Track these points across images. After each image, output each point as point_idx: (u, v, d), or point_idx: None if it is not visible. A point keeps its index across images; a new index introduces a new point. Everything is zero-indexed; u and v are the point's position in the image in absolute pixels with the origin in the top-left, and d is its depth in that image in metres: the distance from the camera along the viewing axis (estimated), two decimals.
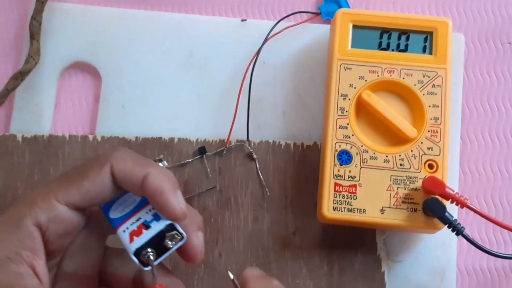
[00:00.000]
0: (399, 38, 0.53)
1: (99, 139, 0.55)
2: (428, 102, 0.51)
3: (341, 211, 0.49)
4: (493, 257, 0.53)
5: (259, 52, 0.57)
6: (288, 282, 0.52)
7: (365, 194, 0.49)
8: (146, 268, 0.40)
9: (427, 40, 0.53)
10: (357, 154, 0.50)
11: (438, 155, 0.50)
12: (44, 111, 0.57)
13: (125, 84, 0.58)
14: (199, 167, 0.55)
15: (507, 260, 0.54)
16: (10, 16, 0.61)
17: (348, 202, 0.49)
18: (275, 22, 0.57)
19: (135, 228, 0.40)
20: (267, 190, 0.54)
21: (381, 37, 0.53)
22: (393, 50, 0.53)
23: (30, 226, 0.39)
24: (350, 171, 0.50)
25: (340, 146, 0.51)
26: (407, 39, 0.53)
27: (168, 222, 0.40)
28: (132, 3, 0.60)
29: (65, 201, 0.40)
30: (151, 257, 0.40)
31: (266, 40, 0.57)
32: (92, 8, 0.60)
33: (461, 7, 0.59)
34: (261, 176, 0.54)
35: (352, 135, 0.51)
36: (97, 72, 0.58)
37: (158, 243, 0.40)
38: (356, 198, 0.49)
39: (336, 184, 0.50)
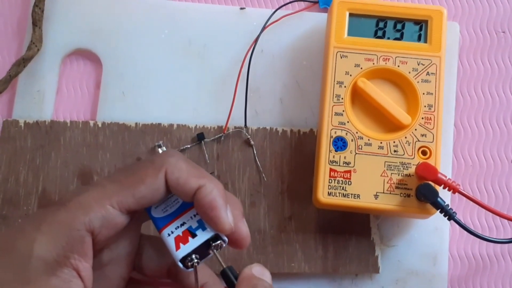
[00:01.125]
0: (395, 27, 0.54)
1: (100, 124, 0.56)
2: (422, 90, 0.52)
3: (336, 196, 0.50)
4: (484, 243, 0.54)
5: (257, 40, 0.57)
6: (284, 265, 0.53)
7: (360, 179, 0.50)
8: (189, 270, 0.41)
9: (422, 28, 0.53)
10: (352, 140, 0.51)
11: (432, 142, 0.51)
12: (46, 97, 0.59)
13: (125, 71, 0.59)
14: (198, 153, 0.56)
15: (498, 245, 0.55)
16: (13, 3, 0.62)
17: (343, 187, 0.50)
18: (273, 10, 0.58)
19: (180, 234, 0.41)
20: (264, 175, 0.55)
21: (377, 25, 0.54)
22: (388, 38, 0.54)
23: (82, 231, 0.38)
24: (345, 157, 0.51)
25: (335, 132, 0.51)
26: (403, 27, 0.54)
27: (214, 232, 0.41)
28: None
29: (119, 206, 0.39)
30: (195, 264, 0.40)
31: (264, 28, 0.58)
32: None
33: None
34: (258, 162, 0.55)
35: (348, 121, 0.52)
36: (98, 59, 0.59)
37: (202, 248, 0.41)
38: (350, 184, 0.50)
39: (331, 169, 0.51)
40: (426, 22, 0.53)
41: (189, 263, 0.40)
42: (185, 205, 0.42)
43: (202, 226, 0.41)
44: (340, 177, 0.51)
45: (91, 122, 0.57)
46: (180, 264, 0.40)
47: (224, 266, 0.41)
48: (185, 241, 0.40)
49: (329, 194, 0.50)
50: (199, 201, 0.40)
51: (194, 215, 0.41)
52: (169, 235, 0.41)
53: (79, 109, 0.59)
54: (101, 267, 0.41)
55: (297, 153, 0.55)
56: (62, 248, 0.37)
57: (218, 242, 0.41)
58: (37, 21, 0.58)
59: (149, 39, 0.59)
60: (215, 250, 0.41)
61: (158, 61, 0.59)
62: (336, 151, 0.51)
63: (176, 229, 0.41)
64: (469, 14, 0.60)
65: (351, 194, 0.50)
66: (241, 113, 0.56)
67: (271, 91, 0.58)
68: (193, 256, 0.40)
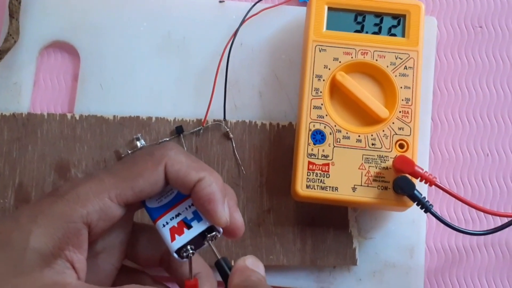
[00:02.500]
0: (373, 21, 0.54)
1: (77, 117, 0.56)
2: (400, 84, 0.52)
3: (314, 189, 0.51)
4: (460, 235, 0.55)
5: (236, 34, 0.57)
6: (262, 257, 0.53)
7: (338, 172, 0.51)
8: (184, 260, 0.41)
9: (400, 23, 0.54)
10: (330, 133, 0.51)
11: (409, 135, 0.51)
12: (23, 89, 0.58)
13: (103, 64, 0.58)
14: None
15: (474, 237, 0.55)
16: None
17: (321, 180, 0.51)
18: (253, 4, 0.58)
19: (176, 225, 0.41)
20: (242, 168, 0.55)
21: (355, 19, 0.54)
22: (367, 32, 0.54)
23: (79, 224, 0.38)
24: (323, 150, 0.51)
25: (314, 125, 0.52)
26: (381, 21, 0.54)
27: (209, 224, 0.41)
28: None
29: (117, 199, 0.40)
30: (190, 254, 0.41)
31: (243, 21, 0.58)
32: None
33: None
34: (237, 155, 0.55)
35: (326, 115, 0.52)
36: (76, 52, 0.59)
37: (196, 239, 0.41)
38: (329, 177, 0.51)
39: (309, 162, 0.51)
40: (404, 16, 0.54)
41: (184, 254, 0.41)
42: (180, 195, 0.42)
43: (197, 217, 0.41)
44: (319, 170, 0.51)
45: (69, 115, 0.56)
46: (176, 255, 0.41)
47: (219, 257, 0.41)
48: (180, 232, 0.41)
49: (308, 187, 0.51)
50: (198, 194, 0.40)
51: (189, 206, 0.42)
52: (164, 225, 0.41)
53: (56, 102, 0.59)
54: (93, 257, 0.41)
55: (276, 147, 0.56)
56: (57, 240, 0.38)
57: (213, 233, 0.41)
58: (14, 13, 0.58)
59: (128, 31, 0.59)
60: (210, 241, 0.41)
61: (136, 53, 0.59)
62: (314, 144, 0.51)
63: (171, 219, 0.41)
64: (446, 9, 0.60)
65: (329, 187, 0.51)
66: (220, 106, 0.56)
67: (250, 84, 0.58)
68: (188, 247, 0.41)
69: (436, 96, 0.58)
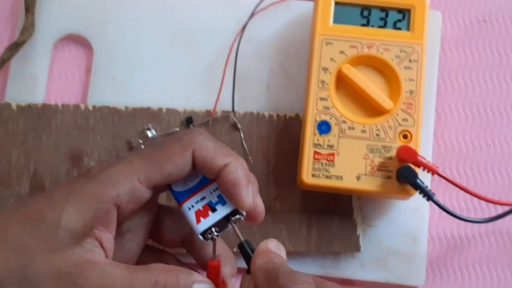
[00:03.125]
0: (379, 15, 0.55)
1: (91, 108, 0.58)
2: (404, 76, 0.53)
3: (320, 177, 0.52)
4: (462, 223, 0.56)
5: (245, 28, 0.59)
6: None
7: (343, 162, 0.52)
8: (208, 241, 0.42)
9: (405, 17, 0.55)
10: (335, 124, 0.53)
11: (412, 126, 0.53)
12: (38, 81, 0.60)
13: (116, 56, 0.60)
14: None
15: (475, 226, 0.57)
16: None
17: (327, 169, 0.52)
18: None
19: (201, 208, 0.42)
20: (250, 158, 0.57)
21: (361, 13, 0.55)
22: (372, 26, 0.55)
23: (109, 204, 0.40)
24: (329, 140, 0.53)
25: (320, 116, 0.53)
26: (386, 15, 0.55)
27: (233, 207, 0.42)
28: None
29: (146, 182, 0.41)
30: (215, 236, 0.42)
31: (252, 15, 0.59)
32: None
33: None
34: (245, 145, 0.57)
35: (332, 106, 0.53)
36: (89, 45, 0.61)
37: (221, 222, 0.43)
38: (334, 166, 0.52)
39: (315, 152, 0.53)
40: (409, 11, 0.55)
41: (209, 236, 0.42)
42: (205, 180, 0.43)
43: (222, 201, 0.43)
44: (324, 159, 0.52)
45: (82, 106, 0.58)
46: (201, 237, 0.42)
47: (242, 240, 0.43)
48: (205, 215, 0.42)
49: (313, 175, 0.52)
50: (224, 178, 0.42)
51: (214, 190, 0.43)
52: (189, 208, 0.43)
53: (70, 93, 0.61)
54: (120, 236, 0.43)
55: (283, 137, 0.57)
56: (88, 220, 0.39)
57: (237, 216, 0.43)
58: (29, 7, 0.59)
59: (140, 25, 0.61)
60: (234, 224, 0.43)
61: (148, 47, 0.60)
62: (320, 134, 0.53)
63: (196, 203, 0.43)
64: (451, 3, 0.61)
65: (334, 176, 0.52)
66: (229, 98, 0.58)
67: (258, 77, 0.59)
68: (213, 229, 0.42)
69: (440, 89, 0.60)
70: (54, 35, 0.61)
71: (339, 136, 0.53)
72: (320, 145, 0.53)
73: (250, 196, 0.42)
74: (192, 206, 0.43)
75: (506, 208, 0.53)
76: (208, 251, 0.44)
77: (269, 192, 0.56)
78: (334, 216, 0.55)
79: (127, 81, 0.60)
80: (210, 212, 0.42)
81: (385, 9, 0.55)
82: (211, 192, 0.43)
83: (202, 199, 0.43)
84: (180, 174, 0.42)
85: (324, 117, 0.53)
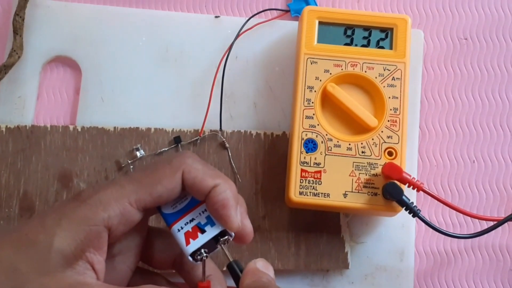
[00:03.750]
0: (362, 34, 0.56)
1: (79, 129, 0.58)
2: (388, 94, 0.54)
3: (307, 195, 0.53)
4: (449, 239, 0.57)
5: (231, 47, 0.60)
6: None
7: (329, 179, 0.53)
8: (197, 263, 0.43)
9: (387, 36, 0.56)
10: (322, 142, 0.54)
11: (397, 143, 0.53)
12: (26, 102, 0.60)
13: (104, 77, 0.60)
14: None
15: (461, 241, 0.57)
16: None
17: (314, 187, 0.53)
18: (247, 18, 0.61)
19: (190, 230, 0.43)
20: (238, 177, 0.57)
21: (345, 33, 0.56)
22: (356, 45, 0.56)
23: (100, 227, 0.40)
24: (315, 158, 0.53)
25: (306, 135, 0.54)
26: (369, 35, 0.56)
27: (222, 228, 0.43)
28: (111, 1, 0.63)
29: (137, 204, 0.41)
30: (204, 257, 0.43)
31: (238, 35, 0.60)
32: (73, 5, 0.62)
33: (421, 5, 0.63)
34: (233, 164, 0.57)
35: (318, 124, 0.54)
36: (77, 66, 0.61)
37: (210, 243, 0.43)
38: (321, 183, 0.53)
39: (302, 170, 0.53)
40: (391, 29, 0.56)
41: (198, 257, 0.43)
42: (194, 201, 0.44)
43: (210, 222, 0.43)
44: (311, 177, 0.53)
45: (71, 127, 0.58)
46: (190, 258, 0.42)
47: (231, 260, 0.44)
48: (194, 237, 0.43)
49: (301, 193, 0.53)
50: (213, 199, 0.42)
51: (203, 212, 0.44)
52: (179, 230, 0.43)
53: (59, 114, 0.61)
54: (111, 258, 0.43)
55: (270, 155, 0.58)
56: (80, 242, 0.40)
57: (226, 237, 0.43)
58: (17, 29, 0.60)
59: (127, 46, 0.61)
60: (222, 245, 0.43)
61: (136, 67, 0.61)
62: (307, 152, 0.53)
63: (185, 224, 0.43)
64: (433, 22, 0.62)
65: (322, 193, 0.53)
66: (216, 117, 0.59)
67: (245, 95, 0.60)
68: (202, 250, 0.43)
69: (424, 106, 0.60)
70: (42, 56, 0.61)
71: (325, 153, 0.53)
72: (307, 163, 0.53)
73: (239, 216, 0.43)
74: (182, 227, 0.43)
75: (491, 223, 0.54)
76: (198, 272, 0.44)
77: (257, 210, 0.57)
78: (322, 234, 0.56)
79: (116, 101, 0.60)
80: (199, 234, 0.43)
81: (368, 29, 0.56)
82: (200, 214, 0.44)
83: (191, 220, 0.43)
84: (170, 196, 0.43)
85: (310, 135, 0.54)
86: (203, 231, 0.43)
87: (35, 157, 0.58)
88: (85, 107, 0.60)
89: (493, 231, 0.54)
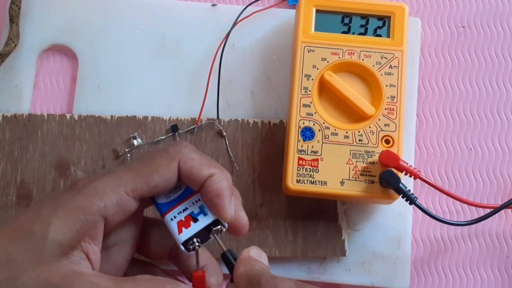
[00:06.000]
0: (359, 22, 0.56)
1: (76, 117, 0.58)
2: (385, 82, 0.54)
3: (304, 183, 0.53)
4: (445, 226, 0.57)
5: (228, 36, 0.60)
6: None
7: (326, 167, 0.53)
8: (191, 253, 0.43)
9: (385, 24, 0.56)
10: (319, 130, 0.54)
11: (394, 131, 0.54)
12: (23, 91, 0.60)
13: (101, 66, 0.60)
14: None
15: (458, 228, 0.58)
16: None
17: (311, 175, 0.53)
18: (244, 7, 0.61)
19: (183, 219, 0.43)
20: (236, 165, 0.57)
21: (342, 21, 0.56)
22: (353, 33, 0.56)
23: (96, 216, 0.40)
24: (312, 146, 0.53)
25: (303, 123, 0.54)
26: (367, 23, 0.56)
27: (215, 218, 0.43)
28: None
29: (133, 193, 0.41)
30: (197, 247, 0.43)
31: (235, 24, 0.60)
32: None
33: None
34: (231, 152, 0.58)
35: (315, 112, 0.54)
36: (74, 54, 0.61)
37: (202, 233, 0.43)
38: (318, 171, 0.53)
39: (299, 158, 0.53)
40: (389, 18, 0.56)
41: (191, 246, 0.42)
42: (188, 191, 0.44)
43: (203, 211, 0.43)
44: (308, 165, 0.53)
45: (68, 115, 0.58)
46: (182, 247, 0.42)
47: (224, 249, 0.43)
48: (187, 226, 0.43)
49: (298, 181, 0.53)
50: (208, 188, 0.42)
51: (196, 201, 0.44)
52: (172, 219, 0.43)
53: (56, 103, 0.61)
54: (106, 250, 0.43)
55: (268, 144, 0.58)
56: (75, 232, 0.40)
57: (219, 227, 0.43)
58: (14, 18, 0.60)
59: (124, 35, 0.61)
60: (215, 234, 0.43)
61: (133, 56, 0.61)
62: (304, 140, 0.54)
63: (178, 214, 0.43)
64: (430, 10, 0.62)
65: (319, 181, 0.53)
66: (213, 105, 0.59)
67: (242, 84, 0.60)
68: (195, 239, 0.42)
69: (421, 94, 0.61)
70: (39, 45, 0.61)
71: (322, 142, 0.53)
72: (304, 151, 0.53)
73: (233, 207, 0.43)
74: (175, 217, 0.43)
75: (488, 211, 0.54)
76: (194, 262, 0.44)
77: (254, 199, 0.57)
78: (320, 221, 0.56)
79: (113, 90, 0.60)
80: (192, 223, 0.43)
81: (365, 17, 0.56)
82: (193, 203, 0.44)
83: (184, 210, 0.43)
84: (166, 186, 0.43)
85: (307, 124, 0.54)
86: (195, 220, 0.43)
87: (32, 145, 0.58)
88: (82, 96, 0.60)
89: (490, 219, 0.54)
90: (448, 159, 0.59)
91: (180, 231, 0.43)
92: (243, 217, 0.44)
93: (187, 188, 0.44)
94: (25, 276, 0.39)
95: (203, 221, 0.43)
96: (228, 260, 0.43)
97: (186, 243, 0.43)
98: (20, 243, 0.40)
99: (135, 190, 0.42)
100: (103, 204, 0.40)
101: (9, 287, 0.38)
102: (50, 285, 0.38)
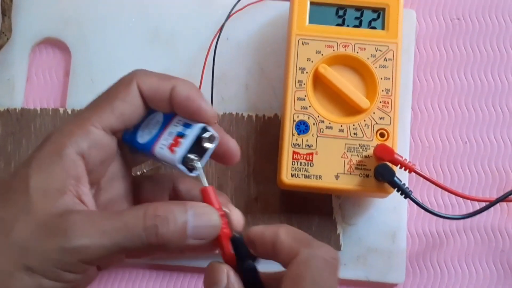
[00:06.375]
0: (354, 15, 0.56)
1: (70, 111, 0.58)
2: (380, 75, 0.54)
3: (299, 177, 0.53)
4: (440, 220, 0.57)
5: (222, 28, 0.59)
6: None
7: (321, 161, 0.53)
8: (194, 173, 0.42)
9: (379, 16, 0.56)
10: (314, 124, 0.53)
11: (389, 125, 0.53)
12: (16, 85, 0.60)
13: (94, 59, 0.60)
14: None
15: (453, 222, 0.57)
16: None
17: (306, 169, 0.53)
18: None
19: (172, 141, 0.41)
20: None
21: (336, 13, 0.56)
22: (348, 25, 0.56)
23: (73, 155, 0.39)
24: (307, 140, 0.53)
25: (298, 116, 0.54)
26: (361, 15, 0.56)
27: (201, 125, 0.42)
28: None
29: (102, 125, 0.40)
30: (196, 162, 0.41)
31: (229, 16, 0.60)
32: None
33: None
34: None
35: (309, 106, 0.54)
36: (67, 48, 0.61)
37: (197, 148, 0.42)
38: (313, 165, 0.53)
39: (294, 152, 0.53)
40: (383, 10, 0.56)
41: (190, 163, 0.41)
42: (166, 119, 0.43)
43: (188, 126, 0.42)
44: (303, 159, 0.53)
45: (61, 109, 0.58)
46: (183, 167, 0.41)
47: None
48: (177, 144, 0.41)
49: (293, 175, 0.53)
50: (177, 99, 0.41)
51: (178, 122, 0.42)
52: (161, 148, 0.42)
53: (49, 97, 0.60)
54: (102, 200, 0.43)
55: (262, 137, 0.57)
56: (57, 177, 0.39)
57: (210, 133, 0.42)
58: (6, 11, 0.59)
59: (117, 27, 0.61)
60: (210, 143, 0.42)
61: (126, 48, 0.60)
62: (298, 134, 0.53)
63: (165, 140, 0.42)
64: (425, 1, 0.62)
65: (313, 175, 0.53)
66: (207, 98, 0.58)
67: (236, 77, 0.60)
68: (191, 156, 0.41)
69: (416, 86, 0.60)
70: (31, 38, 0.61)
71: (317, 135, 0.53)
72: (298, 145, 0.53)
73: (210, 105, 0.42)
74: (163, 144, 0.42)
75: (483, 204, 0.54)
76: (196, 191, 0.43)
77: (249, 193, 0.56)
78: (314, 216, 0.56)
79: (106, 83, 0.58)
80: (181, 140, 0.41)
81: (360, 9, 0.56)
82: (175, 125, 0.42)
83: (170, 134, 0.42)
84: (134, 112, 0.42)
85: (302, 117, 0.53)
86: (184, 136, 0.41)
87: (26, 140, 0.57)
88: (75, 89, 0.59)
89: (485, 212, 0.54)
90: (444, 152, 0.59)
91: (172, 152, 0.41)
92: (230, 141, 0.44)
93: (165, 118, 0.43)
94: (19, 227, 0.37)
95: (192, 133, 0.41)
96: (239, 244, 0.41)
97: (184, 162, 0.41)
98: (3, 202, 0.39)
99: (102, 122, 0.40)
100: (74, 141, 0.39)
101: (4, 243, 0.37)
102: (47, 225, 0.37)
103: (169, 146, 0.41)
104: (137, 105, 0.42)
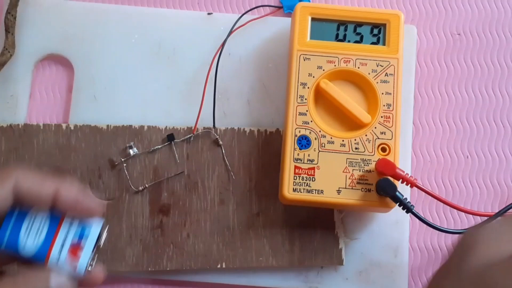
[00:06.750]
0: (355, 30, 0.56)
1: (72, 127, 0.58)
2: (381, 90, 0.54)
3: (301, 192, 0.53)
4: (442, 234, 0.57)
5: (224, 44, 0.60)
6: (252, 259, 0.55)
7: (323, 176, 0.53)
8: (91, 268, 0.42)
9: (380, 31, 0.56)
10: (315, 139, 0.54)
11: (391, 139, 0.53)
12: (19, 101, 0.60)
13: (96, 75, 0.60)
14: (168, 153, 0.58)
15: (455, 237, 0.57)
16: None
17: (307, 183, 0.53)
18: (240, 15, 0.61)
19: (69, 248, 0.41)
20: (232, 174, 0.57)
21: (337, 29, 0.56)
22: (349, 41, 0.56)
23: None
24: (309, 155, 0.53)
25: (299, 131, 0.54)
26: (362, 31, 0.56)
27: (97, 225, 0.42)
28: None
29: None
30: (94, 263, 0.42)
31: (231, 32, 0.60)
32: (65, 3, 0.62)
33: (413, 1, 0.63)
34: (227, 161, 0.57)
35: (311, 121, 0.54)
36: (70, 64, 0.61)
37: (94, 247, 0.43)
38: (314, 180, 0.53)
39: (296, 167, 0.53)
40: (384, 25, 0.56)
41: (91, 264, 0.42)
42: (54, 217, 0.42)
43: (83, 227, 0.42)
44: (305, 174, 0.53)
45: (64, 125, 0.58)
46: (85, 273, 0.42)
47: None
48: (76, 254, 0.41)
49: (294, 190, 0.53)
50: (64, 203, 0.41)
51: (71, 222, 0.42)
52: (58, 259, 0.41)
53: (51, 113, 0.61)
54: None
55: (264, 152, 0.58)
56: None
57: (105, 230, 0.43)
58: (9, 28, 0.60)
59: (120, 44, 0.61)
60: (103, 238, 0.43)
61: (128, 65, 0.61)
62: (300, 149, 0.53)
63: (62, 247, 0.42)
64: (426, 17, 0.62)
65: (315, 190, 0.53)
66: (209, 114, 0.59)
67: (238, 92, 0.60)
68: (90, 261, 0.42)
69: (417, 101, 0.60)
70: (34, 55, 0.61)
71: (319, 150, 0.53)
72: (300, 159, 0.53)
73: (95, 198, 0.42)
74: (59, 253, 0.41)
75: (484, 218, 0.54)
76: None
77: (251, 208, 0.56)
78: (316, 230, 0.56)
79: (108, 99, 0.60)
80: (79, 250, 0.42)
81: (360, 24, 0.56)
82: (68, 227, 0.42)
83: (65, 239, 0.42)
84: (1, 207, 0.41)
85: (303, 132, 0.54)
86: (81, 243, 0.42)
87: (28, 156, 0.57)
88: (77, 105, 0.60)
89: None
90: (445, 167, 0.59)
91: (75, 267, 0.41)
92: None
93: (52, 215, 0.42)
94: None
95: (91, 237, 0.42)
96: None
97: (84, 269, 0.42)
98: None
99: None
100: None
101: None
102: None
103: (68, 256, 0.41)
104: (7, 202, 0.41)
